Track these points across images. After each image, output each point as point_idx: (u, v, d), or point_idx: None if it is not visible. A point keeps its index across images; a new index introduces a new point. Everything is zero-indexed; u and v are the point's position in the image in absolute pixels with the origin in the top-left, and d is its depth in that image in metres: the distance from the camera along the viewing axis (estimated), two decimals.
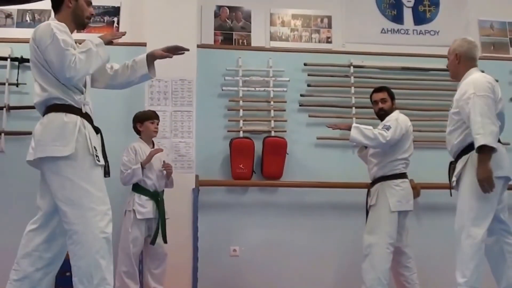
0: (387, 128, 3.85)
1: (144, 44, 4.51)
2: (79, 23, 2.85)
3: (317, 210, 4.75)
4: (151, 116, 4.12)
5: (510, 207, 3.42)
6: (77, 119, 2.67)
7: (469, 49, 3.40)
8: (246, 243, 4.70)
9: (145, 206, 3.92)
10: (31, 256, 2.66)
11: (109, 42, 2.81)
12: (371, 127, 3.88)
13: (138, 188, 3.97)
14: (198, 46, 4.76)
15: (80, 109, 2.72)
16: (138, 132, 4.13)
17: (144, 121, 4.10)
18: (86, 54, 2.64)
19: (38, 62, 2.67)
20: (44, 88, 2.67)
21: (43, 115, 2.73)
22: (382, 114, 4.06)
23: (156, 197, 3.99)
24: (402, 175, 3.94)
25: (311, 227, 4.71)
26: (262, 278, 4.65)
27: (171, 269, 4.06)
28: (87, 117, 2.76)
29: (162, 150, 4.11)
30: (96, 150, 2.69)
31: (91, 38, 2.76)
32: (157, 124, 4.15)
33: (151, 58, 3.01)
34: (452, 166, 3.36)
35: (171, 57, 3.03)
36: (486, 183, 3.05)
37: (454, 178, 3.28)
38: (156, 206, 3.96)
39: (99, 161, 2.69)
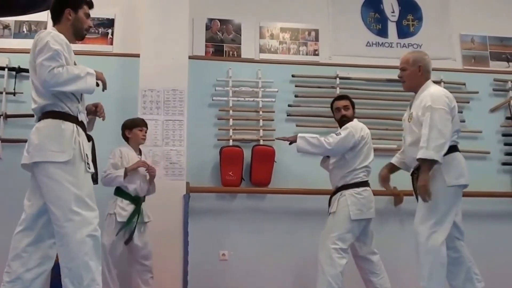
0: (338, 134, 3.84)
1: (137, 55, 4.65)
2: (77, 35, 2.92)
3: (304, 216, 4.81)
4: (139, 124, 4.14)
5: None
6: (73, 126, 2.73)
7: (429, 62, 3.46)
8: (234, 248, 4.78)
9: (125, 210, 3.91)
10: (21, 257, 2.68)
11: (96, 83, 2.81)
12: (317, 136, 3.84)
13: (120, 192, 3.98)
14: (190, 58, 4.86)
15: (76, 117, 2.77)
16: (126, 139, 4.14)
17: (132, 128, 4.11)
18: (71, 73, 2.65)
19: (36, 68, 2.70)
20: (42, 94, 2.71)
21: (39, 120, 2.76)
22: (344, 121, 3.99)
23: (138, 201, 3.98)
24: (364, 183, 3.88)
25: (297, 232, 4.79)
26: (250, 282, 4.72)
27: (162, 273, 4.13)
28: (81, 125, 2.81)
29: (148, 165, 4.07)
30: (87, 157, 2.75)
31: (88, 67, 2.79)
32: (146, 132, 4.16)
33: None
34: (415, 176, 3.34)
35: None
36: (422, 191, 3.15)
37: None
38: (136, 210, 3.93)
39: (89, 168, 2.74)
